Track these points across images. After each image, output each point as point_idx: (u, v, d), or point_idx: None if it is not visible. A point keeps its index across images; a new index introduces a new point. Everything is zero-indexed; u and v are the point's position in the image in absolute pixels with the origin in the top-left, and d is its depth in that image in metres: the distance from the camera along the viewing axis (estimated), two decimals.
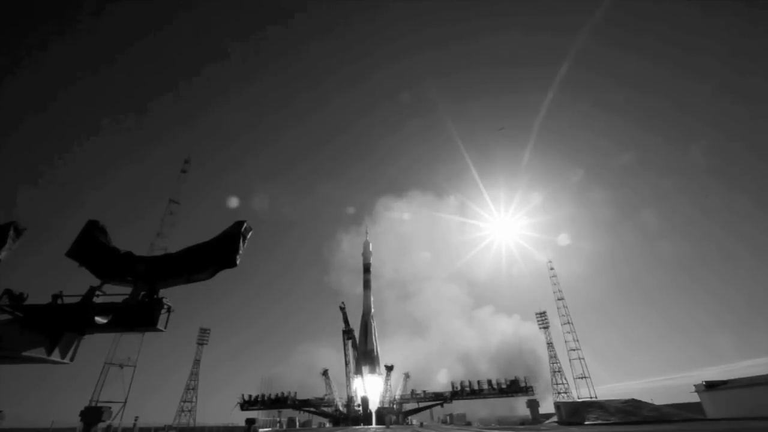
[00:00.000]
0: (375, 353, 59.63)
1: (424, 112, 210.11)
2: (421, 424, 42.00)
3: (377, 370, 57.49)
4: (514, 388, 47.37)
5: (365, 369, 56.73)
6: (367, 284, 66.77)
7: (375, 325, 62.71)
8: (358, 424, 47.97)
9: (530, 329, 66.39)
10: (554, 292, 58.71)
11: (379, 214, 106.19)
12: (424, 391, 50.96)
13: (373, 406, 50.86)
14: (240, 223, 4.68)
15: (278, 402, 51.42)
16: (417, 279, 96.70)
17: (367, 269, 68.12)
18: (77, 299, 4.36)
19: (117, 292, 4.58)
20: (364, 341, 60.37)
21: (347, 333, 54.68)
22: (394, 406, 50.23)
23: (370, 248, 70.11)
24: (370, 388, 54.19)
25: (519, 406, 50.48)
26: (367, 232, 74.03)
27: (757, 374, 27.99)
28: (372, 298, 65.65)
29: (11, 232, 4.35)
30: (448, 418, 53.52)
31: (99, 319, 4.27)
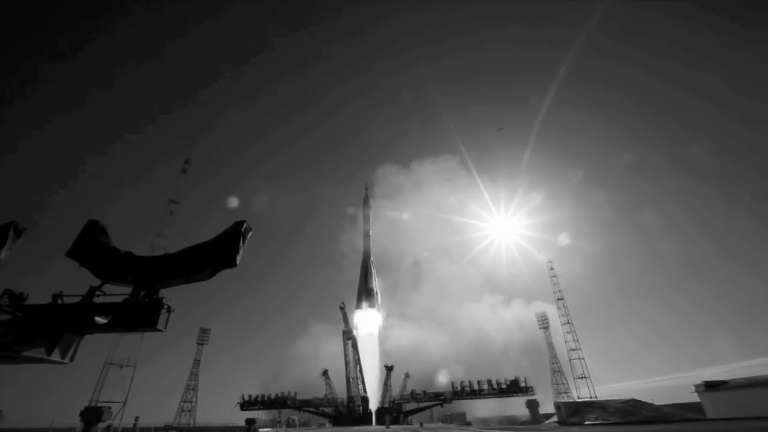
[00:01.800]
0: (374, 291, 68.37)
1: (427, 117, 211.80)
2: (421, 424, 41.94)
3: (376, 306, 66.82)
4: (513, 388, 47.36)
5: (365, 305, 66.23)
6: (366, 233, 75.42)
7: (374, 268, 71.90)
8: (358, 425, 47.93)
9: (532, 320, 67.78)
10: (554, 292, 58.60)
11: (381, 183, 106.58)
12: (424, 391, 50.90)
13: (373, 406, 50.80)
14: (240, 223, 4.65)
15: (278, 402, 51.38)
16: (417, 275, 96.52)
17: (366, 219, 77.17)
18: (77, 299, 4.35)
19: (117, 292, 4.57)
20: (365, 281, 69.55)
21: (347, 333, 54.64)
22: (394, 406, 50.18)
23: (370, 203, 79.50)
24: (368, 322, 63.76)
25: (519, 407, 50.37)
26: (367, 188, 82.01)
27: (757, 374, 27.99)
28: (371, 246, 74.54)
29: (11, 232, 4.34)
30: (447, 418, 53.49)
31: (99, 319, 4.25)
